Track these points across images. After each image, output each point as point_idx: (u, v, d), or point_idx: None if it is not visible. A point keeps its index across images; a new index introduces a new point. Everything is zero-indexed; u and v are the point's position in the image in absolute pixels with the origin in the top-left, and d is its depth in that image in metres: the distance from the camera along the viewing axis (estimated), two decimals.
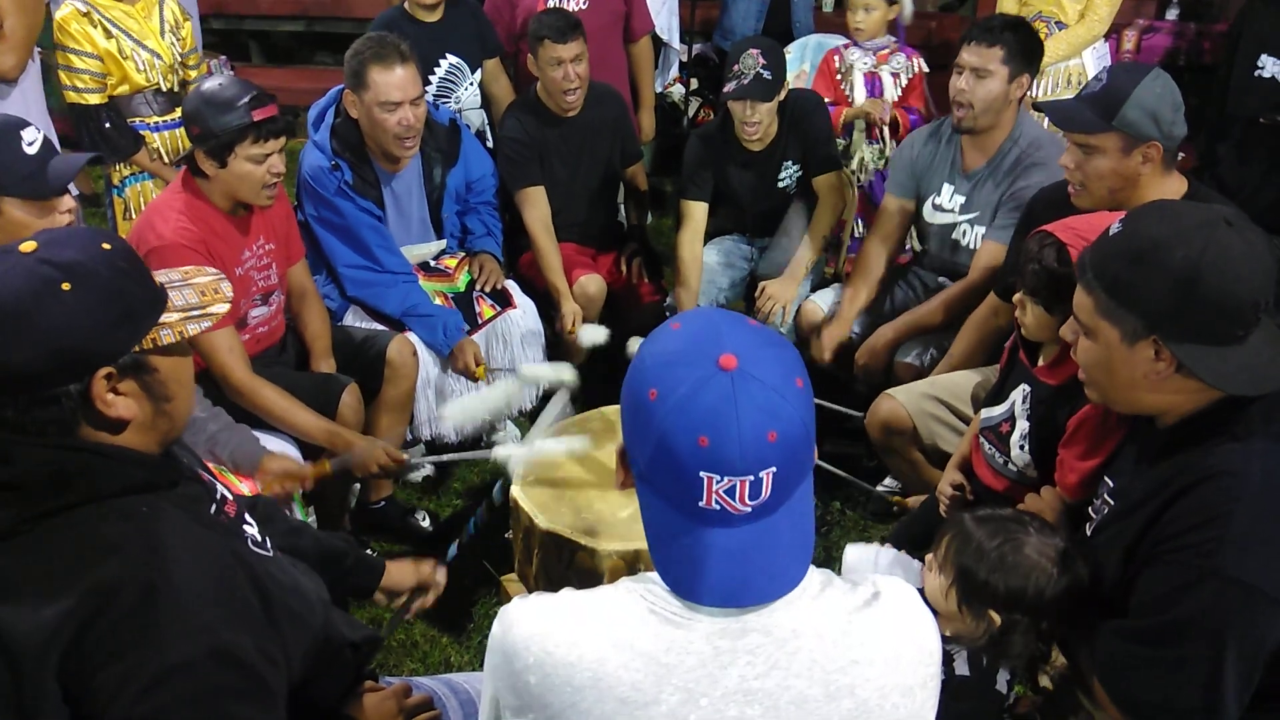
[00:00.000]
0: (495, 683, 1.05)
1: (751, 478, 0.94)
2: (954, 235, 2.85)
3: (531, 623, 1.02)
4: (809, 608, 1.00)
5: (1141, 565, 1.42)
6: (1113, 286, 1.40)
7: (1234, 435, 1.38)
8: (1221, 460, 1.36)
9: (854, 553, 1.80)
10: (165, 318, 1.22)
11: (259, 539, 1.36)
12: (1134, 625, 1.41)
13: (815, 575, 1.03)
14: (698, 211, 3.21)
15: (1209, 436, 1.40)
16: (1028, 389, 1.98)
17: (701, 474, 0.94)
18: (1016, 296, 1.92)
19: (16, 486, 1.14)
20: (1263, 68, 3.17)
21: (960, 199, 2.81)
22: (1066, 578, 1.52)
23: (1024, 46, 2.65)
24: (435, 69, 3.38)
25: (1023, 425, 1.99)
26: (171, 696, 1.09)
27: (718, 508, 0.95)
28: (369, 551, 2.65)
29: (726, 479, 0.94)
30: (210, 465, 1.70)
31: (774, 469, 0.95)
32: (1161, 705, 1.36)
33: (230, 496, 1.38)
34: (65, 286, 1.13)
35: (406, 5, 3.41)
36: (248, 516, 1.39)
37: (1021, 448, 1.99)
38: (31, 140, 1.95)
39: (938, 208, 2.86)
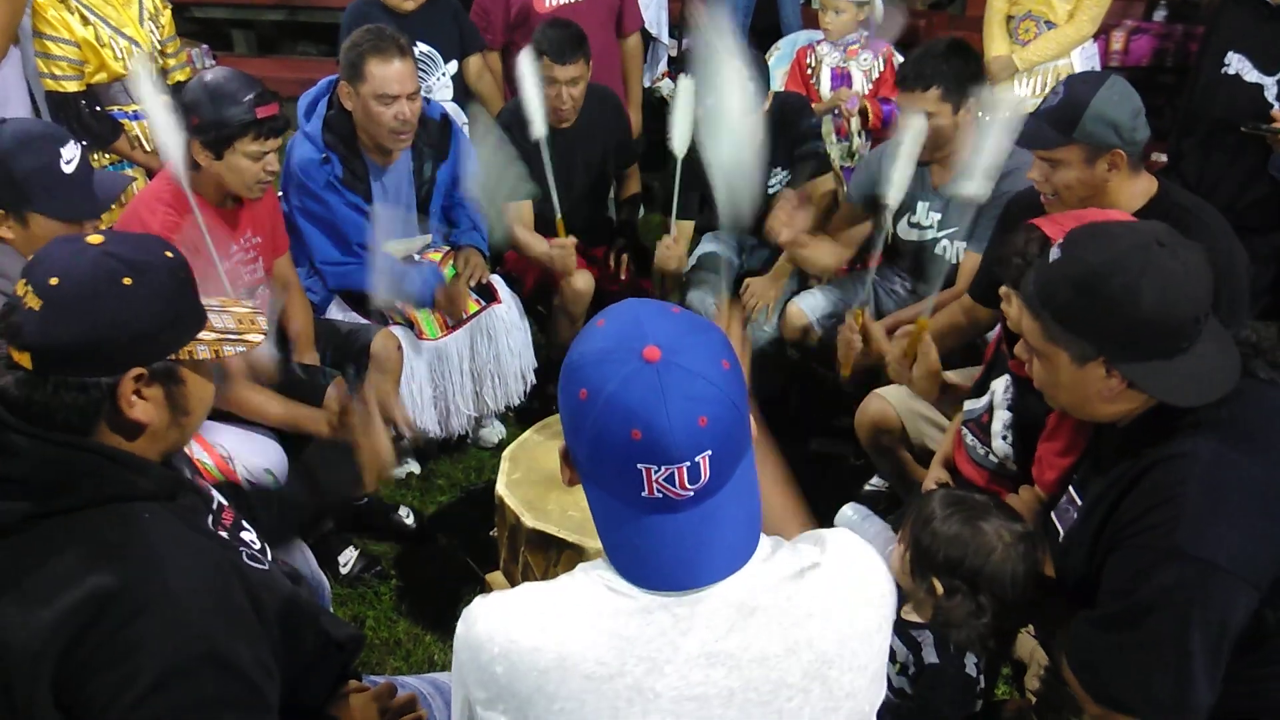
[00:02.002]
0: (464, 679, 1.06)
1: (688, 464, 0.95)
2: (935, 250, 2.82)
3: (494, 616, 1.03)
4: (761, 570, 1.02)
5: (1105, 555, 1.44)
6: (1058, 313, 1.43)
7: (1184, 424, 1.41)
8: (1172, 445, 1.40)
9: (848, 511, 1.88)
10: (203, 335, 1.25)
11: (255, 551, 1.35)
12: (1100, 613, 1.42)
13: (765, 541, 1.05)
14: (686, 229, 3.23)
15: (1160, 428, 1.43)
16: (1008, 379, 2.01)
17: (639, 466, 0.96)
18: (1003, 289, 1.93)
19: (21, 481, 1.15)
20: (1229, 65, 3.14)
21: (936, 215, 2.78)
22: (1022, 560, 1.55)
23: (960, 74, 2.54)
24: None
25: (1003, 415, 2.01)
26: (166, 705, 1.08)
27: (660, 496, 0.97)
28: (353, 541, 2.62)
29: (664, 468, 0.95)
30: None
31: (709, 452, 0.96)
32: (1133, 690, 1.37)
33: (226, 503, 1.37)
34: (127, 281, 1.17)
35: None
36: (244, 523, 1.39)
37: (1004, 438, 2.01)
38: (70, 159, 1.83)
39: (914, 225, 2.83)
